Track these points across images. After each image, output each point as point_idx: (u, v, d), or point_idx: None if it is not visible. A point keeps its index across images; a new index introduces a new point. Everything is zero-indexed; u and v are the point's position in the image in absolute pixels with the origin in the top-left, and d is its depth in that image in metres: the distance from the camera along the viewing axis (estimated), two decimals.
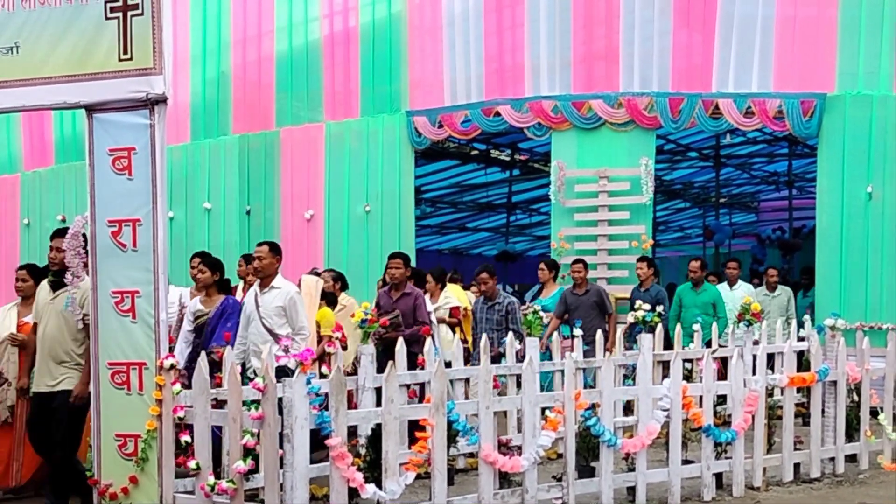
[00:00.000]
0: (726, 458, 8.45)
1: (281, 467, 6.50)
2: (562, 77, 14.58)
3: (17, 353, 8.62)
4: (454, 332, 11.77)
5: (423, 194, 21.78)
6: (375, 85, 16.01)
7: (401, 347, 9.17)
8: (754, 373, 8.77)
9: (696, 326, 11.63)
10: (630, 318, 12.20)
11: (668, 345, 11.09)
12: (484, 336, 9.91)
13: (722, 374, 9.33)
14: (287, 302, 8.72)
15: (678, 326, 11.37)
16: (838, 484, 8.92)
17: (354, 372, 9.15)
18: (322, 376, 7.77)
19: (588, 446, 7.95)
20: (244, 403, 6.76)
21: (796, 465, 8.97)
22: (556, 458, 8.82)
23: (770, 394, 9.10)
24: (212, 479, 6.75)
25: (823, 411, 9.18)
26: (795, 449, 8.95)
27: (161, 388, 6.96)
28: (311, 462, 6.59)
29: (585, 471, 8.00)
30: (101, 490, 7.12)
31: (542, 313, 11.13)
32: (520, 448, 7.70)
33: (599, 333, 10.76)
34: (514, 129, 15.21)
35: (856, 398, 9.55)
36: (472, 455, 8.45)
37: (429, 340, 9.62)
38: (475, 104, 15.03)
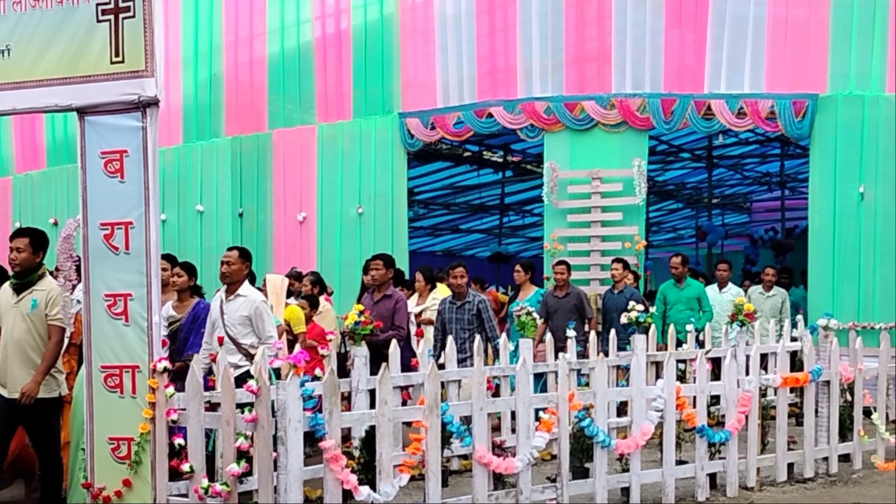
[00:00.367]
0: (720, 458, 8.46)
1: (275, 469, 6.49)
2: (554, 78, 14.59)
3: None
4: None
5: (415, 196, 21.79)
6: (368, 87, 16.00)
7: (394, 349, 9.17)
8: (747, 373, 8.78)
9: (689, 327, 11.66)
10: (623, 318, 12.17)
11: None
12: (450, 338, 9.82)
13: (715, 375, 9.34)
14: (252, 311, 8.43)
15: (671, 327, 11.38)
16: (832, 484, 8.93)
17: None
18: (315, 378, 7.76)
19: (582, 447, 7.96)
20: (237, 406, 6.75)
21: (790, 465, 8.99)
22: (551, 459, 8.85)
23: (763, 394, 9.11)
24: (205, 482, 6.73)
25: (817, 411, 9.18)
26: (789, 449, 8.96)
27: (154, 391, 6.93)
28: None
29: (579, 472, 8.01)
30: (94, 493, 7.09)
31: (534, 314, 11.06)
32: (514, 449, 7.70)
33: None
34: (506, 130, 15.23)
35: (849, 398, 9.57)
36: (464, 457, 8.45)
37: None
38: (467, 106, 15.04)
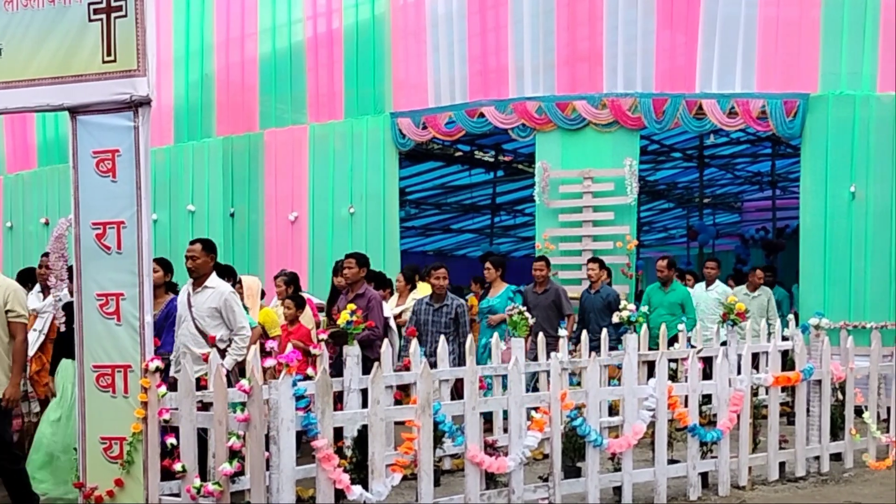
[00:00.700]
0: (712, 457, 8.47)
1: (267, 469, 6.49)
2: (546, 78, 14.59)
3: None
4: None
5: (407, 196, 21.77)
6: (359, 86, 15.98)
7: (386, 349, 9.17)
8: (739, 372, 8.80)
9: (681, 326, 11.66)
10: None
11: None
12: (442, 337, 9.75)
13: (706, 374, 9.36)
14: (221, 303, 8.29)
15: (650, 330, 11.34)
16: (823, 482, 8.95)
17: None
18: (307, 378, 7.75)
19: (574, 446, 7.98)
20: (230, 405, 6.75)
21: (781, 464, 9.01)
22: (543, 459, 8.85)
23: (755, 393, 9.13)
24: (197, 482, 6.73)
25: (808, 410, 9.20)
26: (781, 448, 8.98)
27: (146, 390, 6.93)
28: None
29: (572, 471, 8.02)
30: (86, 493, 7.09)
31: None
32: (506, 449, 7.71)
33: (541, 336, 10.69)
34: (498, 130, 15.22)
35: (840, 397, 9.60)
36: (456, 456, 8.45)
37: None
38: (459, 105, 15.03)
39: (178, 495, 7.03)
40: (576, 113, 14.22)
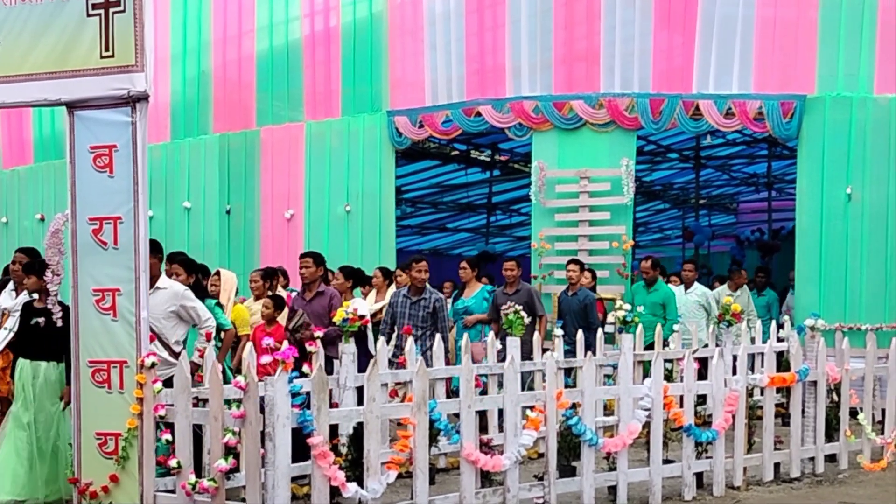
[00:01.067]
0: (707, 457, 8.48)
1: (262, 466, 6.49)
2: (542, 77, 14.58)
3: None
4: None
5: (403, 194, 21.78)
6: (356, 84, 15.97)
7: (381, 347, 9.16)
8: (734, 372, 8.80)
9: (658, 329, 11.55)
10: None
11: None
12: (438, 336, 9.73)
13: (701, 374, 9.36)
14: (178, 305, 8.11)
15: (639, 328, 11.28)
16: (818, 483, 8.96)
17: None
18: (302, 375, 7.75)
19: (569, 446, 7.97)
20: (225, 402, 6.74)
21: (776, 465, 9.01)
22: (538, 458, 8.85)
23: (750, 394, 9.13)
24: (193, 478, 6.73)
25: (803, 411, 9.21)
26: (776, 449, 8.98)
27: (142, 386, 6.93)
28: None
29: (567, 470, 8.02)
30: (81, 489, 7.09)
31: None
32: (501, 447, 7.71)
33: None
34: (494, 129, 15.21)
35: (835, 398, 9.60)
36: (452, 454, 8.44)
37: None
38: (456, 104, 15.00)
39: (173, 491, 7.03)
40: (572, 112, 14.20)
